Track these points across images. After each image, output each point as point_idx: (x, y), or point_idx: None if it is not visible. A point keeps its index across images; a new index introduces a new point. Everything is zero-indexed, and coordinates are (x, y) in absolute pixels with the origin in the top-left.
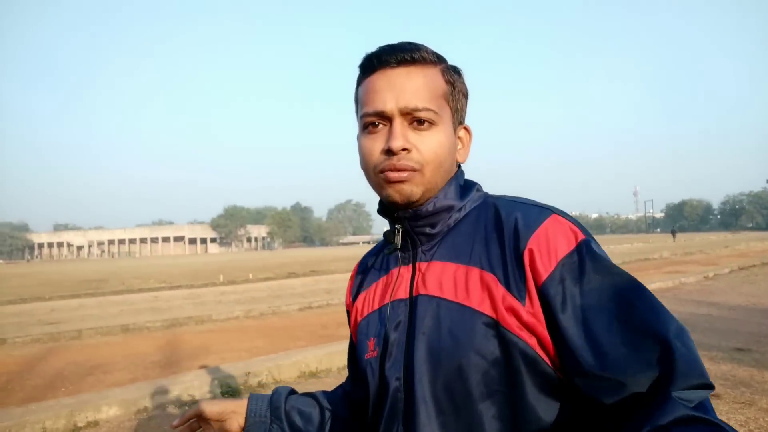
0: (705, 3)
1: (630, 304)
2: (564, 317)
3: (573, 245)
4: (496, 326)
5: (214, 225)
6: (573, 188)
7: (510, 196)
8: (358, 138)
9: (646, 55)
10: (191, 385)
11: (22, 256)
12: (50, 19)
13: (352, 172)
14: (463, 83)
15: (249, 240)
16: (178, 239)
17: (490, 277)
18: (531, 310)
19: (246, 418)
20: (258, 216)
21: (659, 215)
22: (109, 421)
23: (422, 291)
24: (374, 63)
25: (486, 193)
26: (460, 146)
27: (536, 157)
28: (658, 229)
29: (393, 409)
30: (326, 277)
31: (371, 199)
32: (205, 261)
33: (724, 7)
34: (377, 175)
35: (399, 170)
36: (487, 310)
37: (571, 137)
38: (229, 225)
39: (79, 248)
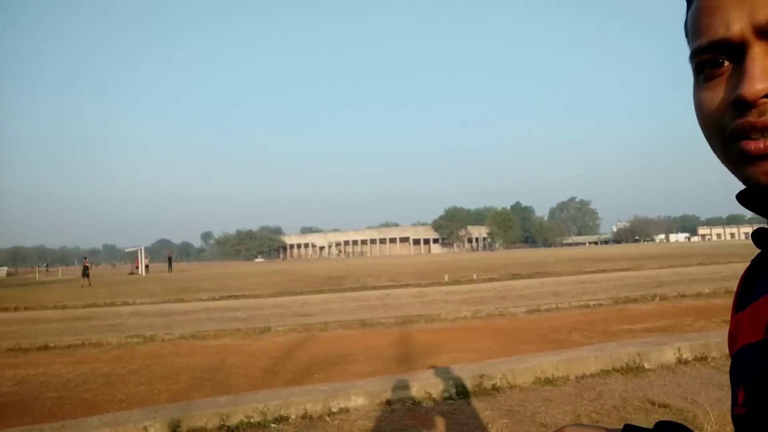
0: None
1: None
2: None
3: None
4: None
5: (436, 226)
6: None
7: None
8: (694, 89)
9: None
10: (428, 383)
11: (277, 256)
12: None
13: (575, 168)
14: None
15: (470, 240)
16: (404, 240)
17: None
18: None
19: None
20: (478, 217)
21: None
22: (357, 409)
23: None
24: None
25: None
26: None
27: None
28: None
29: None
30: (552, 279)
31: (598, 197)
32: (429, 261)
33: None
34: (726, 146)
35: (764, 132)
36: None
37: None
38: (450, 226)
39: (321, 248)
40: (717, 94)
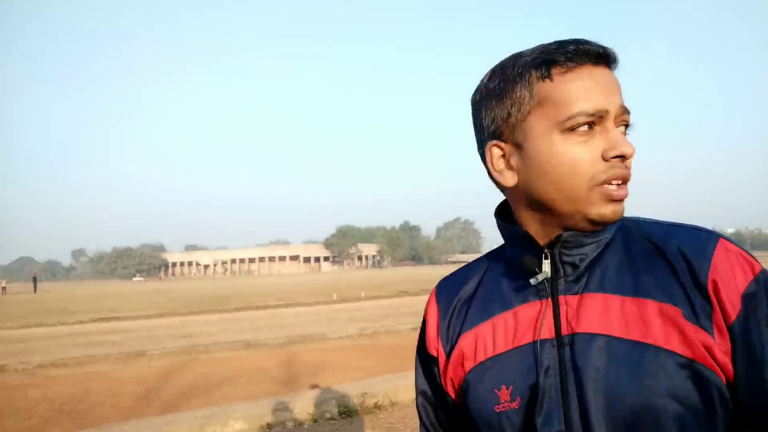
0: None
1: None
2: (750, 362)
3: (751, 277)
4: (691, 366)
5: (328, 244)
6: (705, 199)
7: (650, 219)
8: (553, 143)
9: None
10: (310, 404)
11: (158, 275)
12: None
13: (461, 190)
14: None
15: (360, 258)
16: (294, 258)
17: (673, 310)
18: (723, 348)
19: None
20: (368, 235)
21: None
22: None
23: (579, 329)
24: (574, 56)
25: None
26: None
27: (660, 162)
28: None
29: None
30: None
31: (480, 217)
32: (319, 279)
33: None
34: (592, 189)
35: (626, 183)
36: (678, 347)
37: (703, 140)
38: (342, 244)
39: (206, 267)
40: (589, 149)
